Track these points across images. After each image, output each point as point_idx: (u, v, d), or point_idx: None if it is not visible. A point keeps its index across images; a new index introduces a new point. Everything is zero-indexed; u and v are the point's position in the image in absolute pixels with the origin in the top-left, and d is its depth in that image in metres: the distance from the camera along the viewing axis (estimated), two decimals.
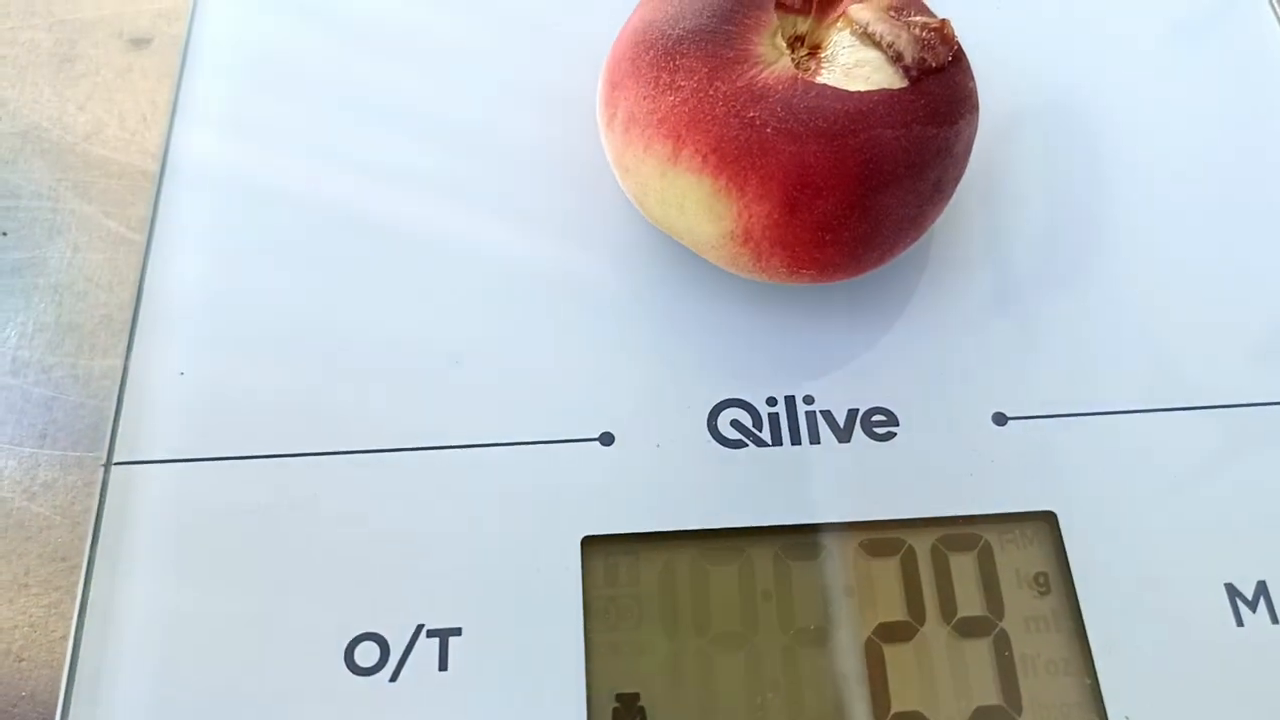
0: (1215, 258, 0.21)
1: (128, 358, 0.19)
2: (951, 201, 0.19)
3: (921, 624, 0.18)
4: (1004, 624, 0.18)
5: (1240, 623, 0.18)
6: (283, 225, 0.21)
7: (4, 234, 0.22)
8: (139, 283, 0.20)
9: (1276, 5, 0.25)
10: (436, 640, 0.17)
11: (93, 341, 0.21)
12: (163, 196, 0.21)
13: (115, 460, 0.18)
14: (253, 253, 0.21)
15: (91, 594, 0.17)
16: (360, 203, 0.21)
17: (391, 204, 0.21)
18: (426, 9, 0.24)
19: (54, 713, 0.17)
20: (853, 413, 0.19)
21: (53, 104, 0.24)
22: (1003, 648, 0.17)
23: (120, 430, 0.19)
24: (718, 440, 0.19)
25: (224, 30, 0.24)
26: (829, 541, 0.18)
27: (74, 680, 0.17)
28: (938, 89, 0.18)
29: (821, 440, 0.19)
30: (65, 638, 0.18)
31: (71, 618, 0.17)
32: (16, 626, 0.19)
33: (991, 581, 0.18)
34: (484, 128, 0.22)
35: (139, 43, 0.25)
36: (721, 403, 0.19)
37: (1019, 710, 0.17)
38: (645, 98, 0.18)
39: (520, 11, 0.24)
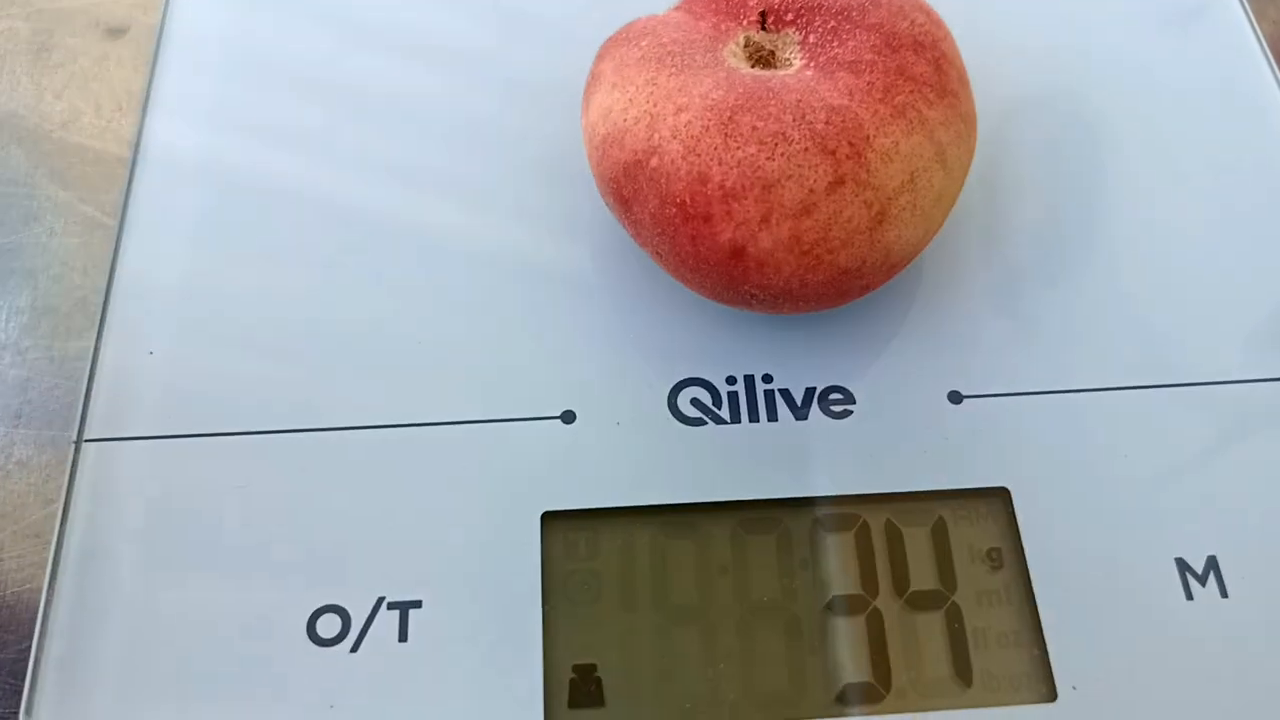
0: (1165, 240, 0.21)
1: (99, 339, 0.20)
2: None
3: (875, 597, 0.18)
4: (956, 598, 0.18)
5: (1190, 596, 0.18)
6: (251, 211, 0.21)
7: None
8: (111, 267, 0.21)
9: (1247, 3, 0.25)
10: (397, 612, 0.17)
11: (68, 324, 0.22)
12: (135, 182, 0.22)
13: (86, 438, 0.19)
14: (222, 237, 0.21)
15: (61, 568, 0.18)
16: (329, 189, 0.22)
17: (359, 191, 0.22)
18: None
19: (23, 684, 0.17)
20: (810, 391, 0.19)
21: (30, 92, 0.25)
22: (954, 621, 0.18)
23: (91, 409, 0.19)
24: (678, 418, 0.19)
25: (198, 19, 0.24)
26: (785, 517, 0.18)
27: (43, 651, 0.17)
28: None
29: (779, 418, 0.19)
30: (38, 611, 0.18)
31: (42, 590, 0.18)
32: None
33: (944, 556, 0.18)
34: (453, 115, 0.23)
35: (115, 32, 0.25)
36: (682, 381, 0.20)
37: (969, 681, 0.17)
38: None
39: (497, 2, 0.25)
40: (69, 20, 0.26)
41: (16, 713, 0.18)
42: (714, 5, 0.19)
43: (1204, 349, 0.20)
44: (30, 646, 0.19)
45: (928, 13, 0.18)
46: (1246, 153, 0.23)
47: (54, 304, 0.22)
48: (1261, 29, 0.25)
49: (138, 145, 0.22)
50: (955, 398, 0.19)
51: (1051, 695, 0.17)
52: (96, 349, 0.20)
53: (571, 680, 0.17)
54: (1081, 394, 0.19)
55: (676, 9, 0.19)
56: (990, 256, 0.21)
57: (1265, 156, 0.23)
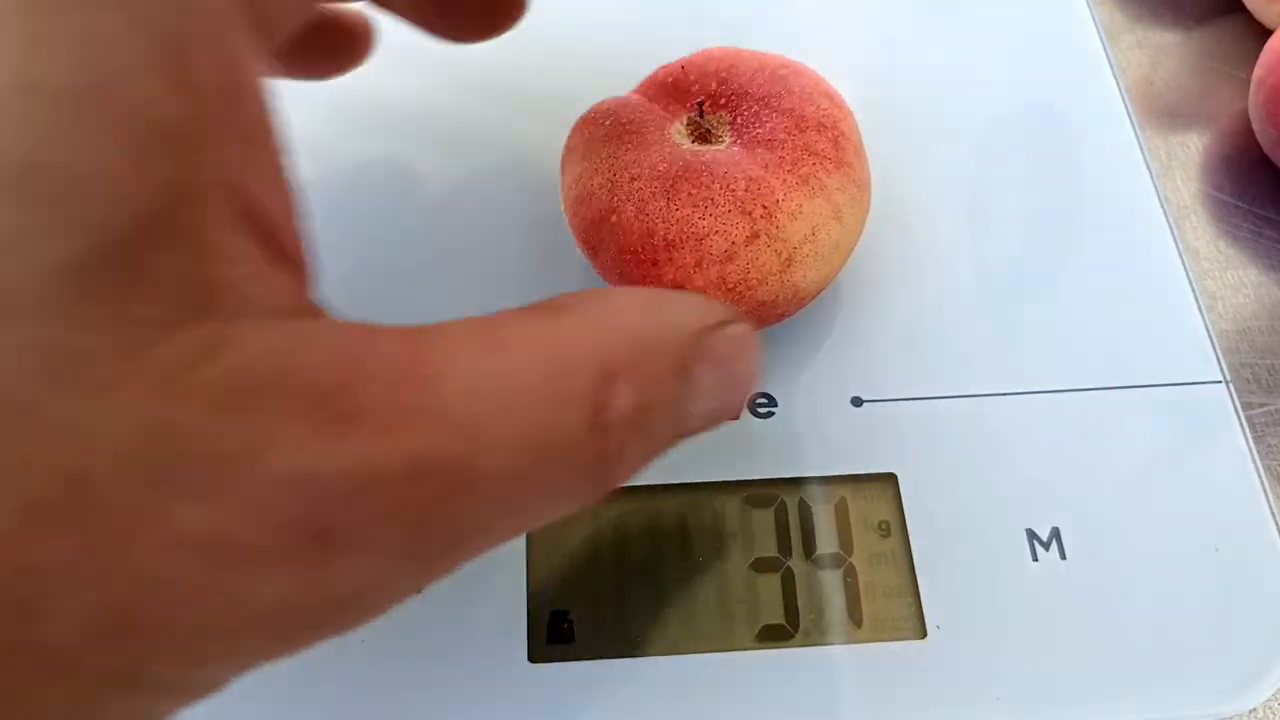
0: (1030, 270, 0.26)
1: None
2: None
3: (788, 559, 0.23)
4: (852, 559, 0.23)
5: (1036, 559, 0.23)
6: None
7: None
8: None
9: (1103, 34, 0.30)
10: None
11: None
12: None
13: None
14: None
15: None
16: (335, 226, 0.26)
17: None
18: None
19: None
20: None
21: None
22: (850, 577, 0.23)
23: None
24: None
25: None
26: (719, 496, 0.23)
27: None
28: None
29: None
30: None
31: None
32: None
33: (844, 527, 0.23)
34: (451, 135, 0.28)
35: None
36: None
37: (860, 623, 0.22)
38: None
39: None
40: None
41: None
42: (665, 90, 0.24)
43: (1050, 366, 0.25)
44: None
45: (831, 97, 0.23)
46: (1105, 176, 0.28)
47: None
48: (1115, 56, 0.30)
49: None
50: (857, 402, 0.24)
51: (922, 634, 0.22)
52: None
53: (549, 621, 0.22)
54: (956, 399, 0.24)
55: (635, 92, 0.24)
56: (886, 292, 0.26)
57: (1117, 183, 0.28)
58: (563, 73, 0.29)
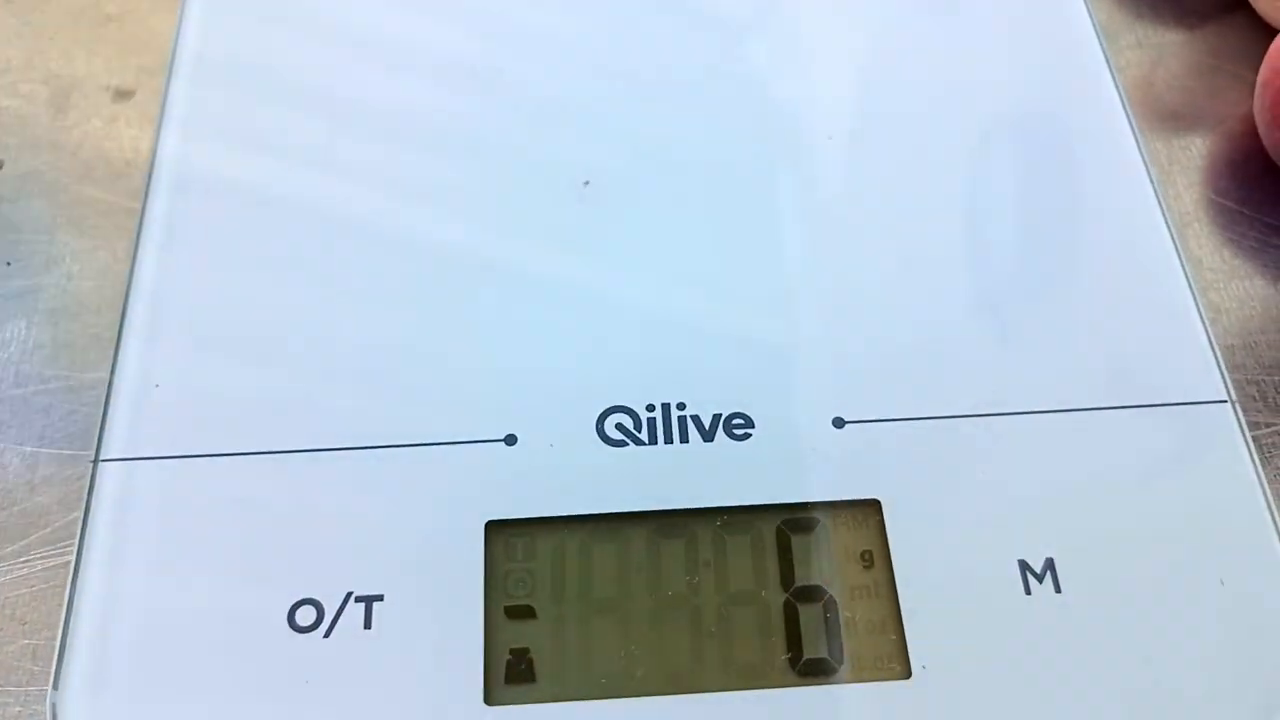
0: (1017, 282, 0.25)
1: (113, 373, 0.23)
2: (804, 235, 0.23)
3: (764, 592, 0.21)
4: (833, 592, 0.21)
5: (1029, 592, 0.21)
6: (238, 268, 0.25)
7: (8, 264, 0.26)
8: (123, 308, 0.24)
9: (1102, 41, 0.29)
10: (363, 605, 0.21)
11: (84, 358, 0.25)
12: (144, 233, 0.25)
13: (102, 458, 0.22)
14: (212, 291, 0.24)
15: (83, 567, 0.21)
16: (317, 248, 0.25)
17: (349, 251, 0.25)
18: (398, 35, 0.28)
19: (50, 665, 0.20)
20: (716, 417, 0.23)
21: (49, 150, 0.28)
22: (829, 611, 0.21)
23: (106, 433, 0.22)
24: (604, 440, 0.23)
25: (199, 83, 0.27)
26: (692, 524, 0.22)
27: (68, 638, 0.20)
28: None
29: (690, 440, 0.23)
30: (61, 605, 0.22)
31: (66, 586, 0.21)
32: (20, 595, 0.23)
33: (824, 557, 0.22)
34: (432, 135, 0.26)
35: (123, 94, 0.29)
36: (609, 408, 0.23)
37: (840, 661, 0.21)
38: None
39: (497, 20, 0.28)
40: (82, 84, 0.29)
41: (42, 690, 0.21)
42: None
43: (1043, 383, 0.23)
44: (49, 635, 0.22)
45: None
46: (1103, 182, 0.26)
47: (71, 340, 0.25)
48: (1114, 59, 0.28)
49: (146, 199, 0.25)
50: (838, 423, 0.23)
51: (907, 674, 0.20)
52: (111, 381, 0.23)
53: (508, 660, 0.20)
54: (944, 420, 0.23)
55: None
56: (871, 304, 0.24)
57: (1116, 190, 0.26)
58: (564, 74, 0.27)
